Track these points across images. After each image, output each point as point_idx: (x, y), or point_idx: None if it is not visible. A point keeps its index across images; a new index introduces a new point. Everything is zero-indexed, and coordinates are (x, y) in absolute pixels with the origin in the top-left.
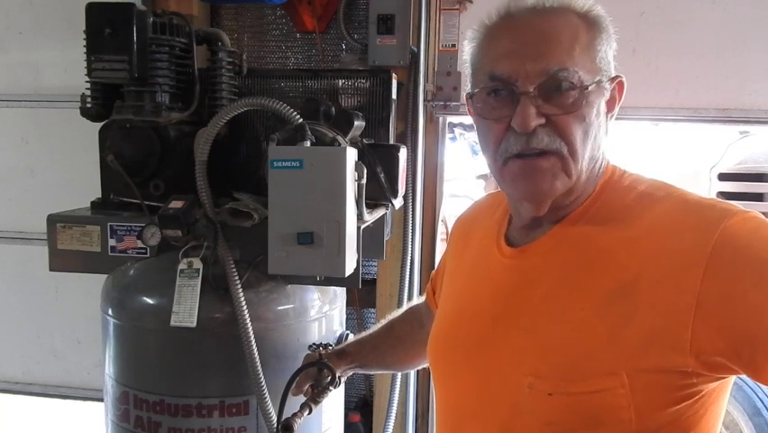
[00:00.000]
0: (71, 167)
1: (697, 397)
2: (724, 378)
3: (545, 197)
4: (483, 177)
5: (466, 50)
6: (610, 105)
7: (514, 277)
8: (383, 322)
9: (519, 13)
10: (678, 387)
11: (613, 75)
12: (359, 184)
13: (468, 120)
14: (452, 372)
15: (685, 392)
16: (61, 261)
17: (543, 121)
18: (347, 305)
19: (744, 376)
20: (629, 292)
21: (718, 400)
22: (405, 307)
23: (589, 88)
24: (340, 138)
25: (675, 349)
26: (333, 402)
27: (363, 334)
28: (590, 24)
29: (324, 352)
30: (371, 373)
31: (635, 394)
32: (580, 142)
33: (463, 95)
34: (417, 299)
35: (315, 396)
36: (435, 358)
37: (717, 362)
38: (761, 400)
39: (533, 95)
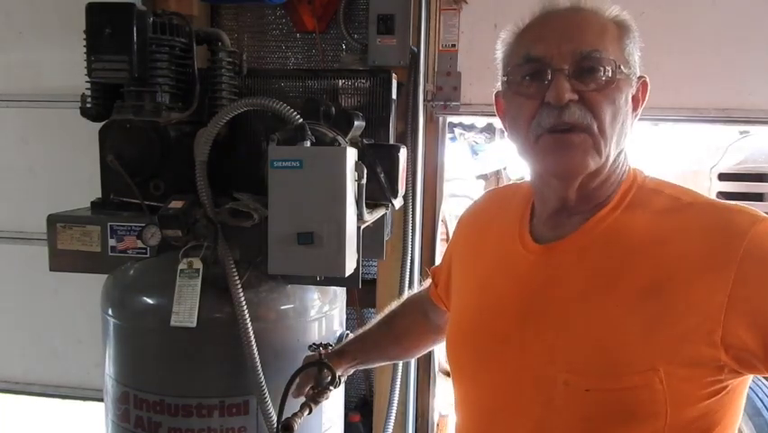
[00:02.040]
0: (71, 167)
1: (724, 392)
2: (749, 375)
3: (575, 171)
4: (483, 177)
5: (498, 51)
6: (635, 103)
7: (541, 274)
8: (380, 317)
9: (553, 11)
10: (709, 382)
11: (639, 74)
12: (359, 184)
13: (468, 120)
14: (480, 368)
15: (715, 387)
16: (61, 261)
17: (575, 97)
18: (347, 305)
19: None
20: (662, 290)
21: (739, 398)
22: (402, 300)
23: (620, 72)
24: (340, 138)
25: (708, 344)
26: (333, 402)
27: (361, 330)
28: (619, 24)
29: (324, 352)
30: (372, 366)
31: (672, 389)
32: (609, 122)
33: (464, 95)
34: (415, 291)
35: (316, 396)
36: (458, 355)
37: (744, 357)
38: (761, 400)
39: (567, 72)
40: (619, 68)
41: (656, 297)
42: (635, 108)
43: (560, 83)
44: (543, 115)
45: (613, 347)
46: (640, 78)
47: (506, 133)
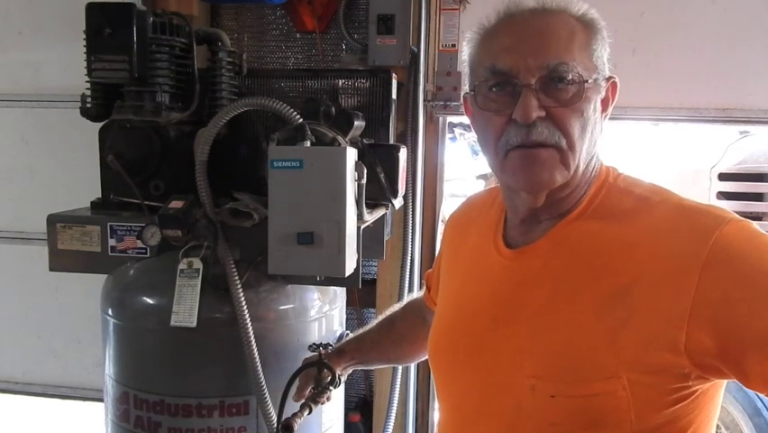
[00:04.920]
0: (71, 167)
1: (692, 397)
2: (719, 380)
3: (544, 187)
4: (483, 177)
5: (464, 51)
6: (604, 104)
7: (512, 278)
8: (380, 318)
9: (518, 13)
10: (675, 388)
11: (608, 75)
12: (359, 184)
13: (468, 120)
14: (455, 371)
15: (682, 393)
16: (61, 261)
17: (543, 113)
18: (347, 305)
19: None
20: (627, 295)
21: (713, 399)
22: (403, 303)
23: (588, 83)
24: (340, 138)
25: (671, 350)
26: (333, 402)
27: (361, 331)
28: (586, 25)
29: (324, 352)
30: (372, 368)
31: (635, 396)
32: (578, 135)
33: (463, 95)
34: (416, 295)
35: (315, 396)
36: (436, 358)
37: (709, 363)
38: (761, 400)
39: (534, 87)
40: (587, 81)
41: (622, 302)
42: (604, 109)
43: (527, 101)
44: (510, 132)
45: (577, 354)
46: (609, 78)
47: (475, 138)
